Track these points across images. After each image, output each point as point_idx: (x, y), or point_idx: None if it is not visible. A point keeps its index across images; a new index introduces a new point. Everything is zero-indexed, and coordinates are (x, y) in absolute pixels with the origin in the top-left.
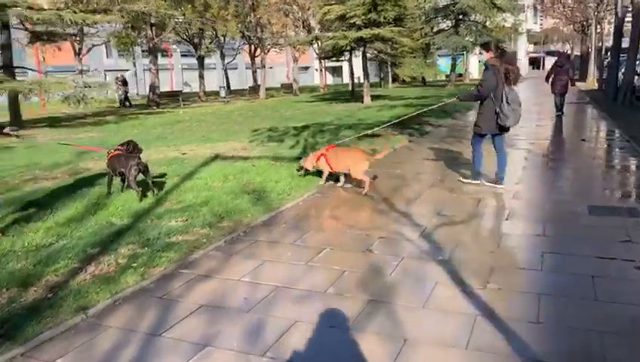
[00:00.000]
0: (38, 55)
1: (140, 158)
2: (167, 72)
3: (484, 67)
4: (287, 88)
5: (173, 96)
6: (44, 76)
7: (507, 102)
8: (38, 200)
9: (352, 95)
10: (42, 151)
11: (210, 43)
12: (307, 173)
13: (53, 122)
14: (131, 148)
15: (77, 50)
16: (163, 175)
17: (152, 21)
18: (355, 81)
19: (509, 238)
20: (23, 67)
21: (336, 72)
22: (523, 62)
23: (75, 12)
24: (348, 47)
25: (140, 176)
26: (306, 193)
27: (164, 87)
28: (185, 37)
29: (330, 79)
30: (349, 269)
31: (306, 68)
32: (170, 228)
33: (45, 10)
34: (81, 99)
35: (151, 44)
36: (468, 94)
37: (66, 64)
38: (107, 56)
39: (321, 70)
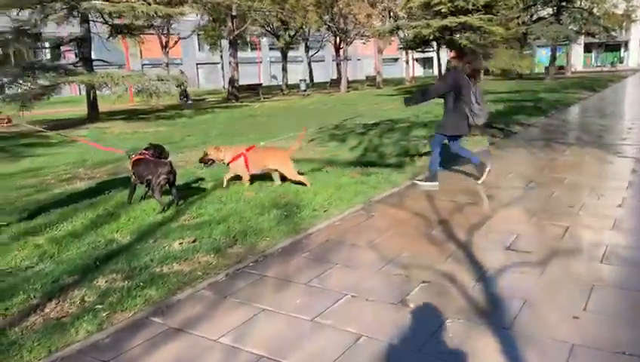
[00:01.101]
0: (127, 48)
1: (171, 165)
2: (254, 65)
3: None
4: (371, 81)
5: (254, 90)
6: (131, 69)
7: (477, 102)
8: (53, 205)
9: None
10: (106, 144)
11: (295, 35)
12: (207, 164)
13: (130, 115)
14: (157, 154)
15: (164, 44)
16: (199, 180)
17: (233, 13)
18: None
19: (604, 294)
20: (102, 60)
21: (427, 63)
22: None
23: (149, 4)
24: (432, 37)
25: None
26: (347, 209)
27: (252, 80)
28: (269, 29)
29: (420, 71)
30: (367, 334)
31: (395, 59)
32: (170, 252)
33: (118, 2)
34: (153, 93)
35: (231, 37)
36: (415, 96)
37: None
38: (199, 49)
39: (407, 62)
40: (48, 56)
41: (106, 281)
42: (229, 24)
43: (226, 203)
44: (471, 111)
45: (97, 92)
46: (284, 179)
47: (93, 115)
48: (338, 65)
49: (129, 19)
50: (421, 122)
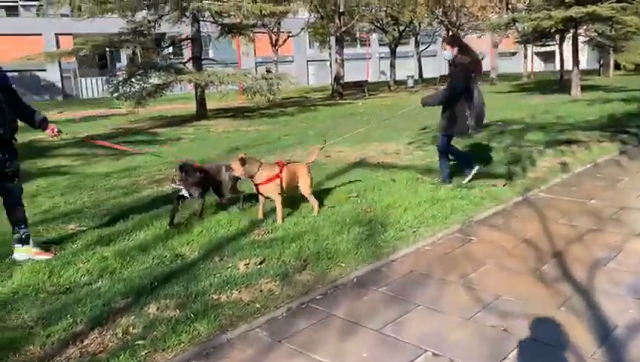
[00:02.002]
0: (239, 47)
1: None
2: (363, 61)
3: (450, 66)
4: (485, 76)
5: (360, 86)
6: (242, 68)
7: (480, 102)
8: (136, 210)
9: (560, 85)
10: (207, 143)
11: (404, 30)
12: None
13: (237, 113)
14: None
15: (274, 42)
16: None
17: (341, 9)
18: (567, 68)
19: None
20: (211, 59)
21: (549, 58)
22: None
23: (254, 2)
24: (554, 29)
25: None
26: (440, 230)
27: (361, 77)
28: (378, 25)
29: (540, 66)
30: None
31: (513, 53)
32: (232, 275)
33: (225, 2)
34: (257, 91)
35: (338, 33)
36: (432, 98)
37: (280, 55)
38: (309, 47)
39: (525, 56)
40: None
41: (157, 308)
42: (337, 21)
43: (306, 215)
44: (473, 110)
45: (207, 90)
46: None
47: (201, 112)
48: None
49: (237, 18)
50: (537, 124)
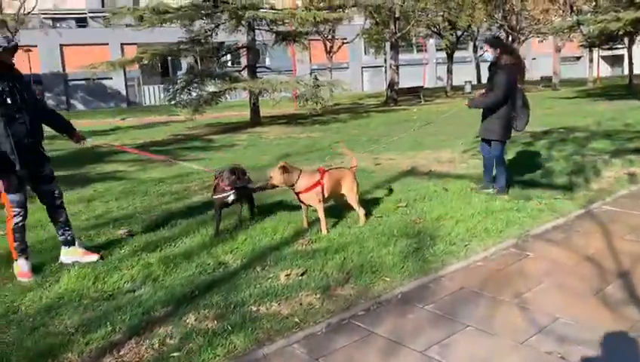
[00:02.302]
0: (294, 54)
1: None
2: (420, 66)
3: (492, 68)
4: (547, 82)
5: (415, 93)
6: (297, 75)
7: (524, 105)
8: (184, 215)
9: (630, 90)
10: (259, 150)
11: (462, 35)
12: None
13: (290, 120)
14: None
15: (328, 48)
16: None
17: (396, 15)
18: (637, 72)
19: None
20: (265, 66)
21: (616, 62)
22: None
23: (309, 10)
24: (622, 32)
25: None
26: (494, 245)
27: (416, 83)
28: (434, 29)
29: (607, 71)
30: None
31: (577, 58)
32: (273, 286)
33: (280, 10)
34: (309, 98)
35: (393, 39)
36: (482, 100)
37: (336, 61)
38: (365, 53)
39: (591, 60)
40: (226, 61)
41: (195, 319)
42: (392, 26)
43: (351, 226)
44: (517, 115)
45: (261, 97)
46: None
47: (255, 119)
48: None
49: (292, 25)
50: (603, 131)
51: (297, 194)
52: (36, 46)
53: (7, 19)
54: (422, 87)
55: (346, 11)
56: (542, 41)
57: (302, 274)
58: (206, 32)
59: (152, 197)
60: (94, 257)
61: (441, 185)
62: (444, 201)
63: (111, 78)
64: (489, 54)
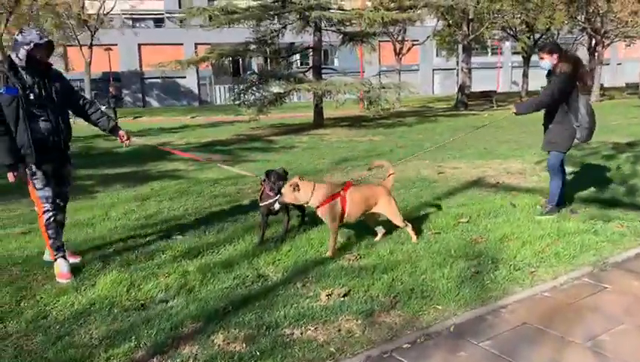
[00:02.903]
0: (361, 55)
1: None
2: (494, 70)
3: (549, 77)
4: (633, 89)
5: (487, 97)
6: (365, 76)
7: (588, 114)
8: (234, 219)
9: None
10: (317, 152)
11: (540, 38)
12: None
13: (354, 122)
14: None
15: (397, 50)
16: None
17: (470, 16)
18: None
19: None
20: (331, 68)
21: None
22: None
23: (377, 10)
24: None
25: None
26: (565, 273)
27: (489, 87)
28: (510, 32)
29: None
30: None
31: None
32: (311, 307)
33: (347, 10)
34: (374, 101)
35: (465, 41)
36: (526, 105)
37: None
38: (436, 55)
39: None
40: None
41: (223, 339)
42: (464, 28)
43: (404, 242)
44: (580, 125)
45: (325, 99)
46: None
47: (318, 121)
48: (592, 70)
49: (360, 26)
50: None
51: (316, 210)
52: (116, 45)
53: (89, 19)
54: (495, 91)
55: (417, 12)
56: (629, 46)
57: (344, 295)
58: (272, 32)
59: (204, 198)
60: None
61: (509, 199)
62: (511, 219)
63: (184, 77)
64: (546, 62)
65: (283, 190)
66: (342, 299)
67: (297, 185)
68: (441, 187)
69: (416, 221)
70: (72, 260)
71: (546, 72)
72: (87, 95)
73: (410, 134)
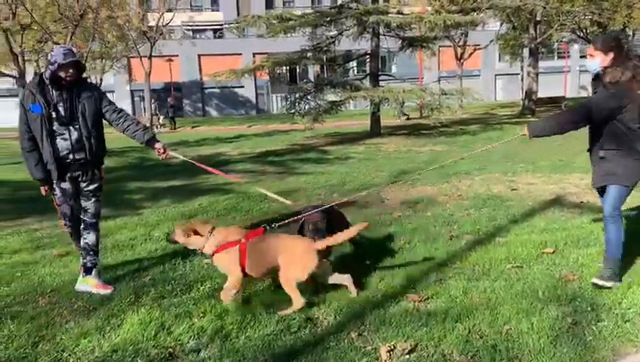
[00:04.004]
0: (421, 61)
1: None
2: (560, 75)
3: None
4: None
5: (555, 103)
6: (424, 83)
7: None
8: None
9: None
10: (374, 164)
11: None
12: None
13: (412, 130)
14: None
15: (458, 55)
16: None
17: (537, 18)
18: None
19: None
20: (388, 74)
21: None
22: None
23: (439, 13)
24: None
25: None
26: None
27: (555, 92)
28: (580, 34)
29: None
30: None
31: None
32: None
33: (406, 14)
34: (434, 108)
35: (532, 45)
36: (542, 125)
37: (466, 68)
38: (499, 60)
39: None
40: (347, 70)
41: None
42: (531, 31)
43: (479, 278)
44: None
45: (383, 107)
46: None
47: (375, 130)
48: None
49: (420, 30)
50: None
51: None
52: (177, 56)
53: (149, 31)
54: (564, 97)
55: (480, 15)
56: None
57: (410, 351)
58: (328, 39)
59: (252, 216)
60: (108, 291)
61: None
62: None
63: (242, 87)
64: (594, 62)
65: (176, 233)
66: (407, 356)
67: (202, 223)
68: (516, 207)
69: (493, 250)
70: (102, 291)
71: (592, 74)
72: (148, 105)
73: (475, 143)
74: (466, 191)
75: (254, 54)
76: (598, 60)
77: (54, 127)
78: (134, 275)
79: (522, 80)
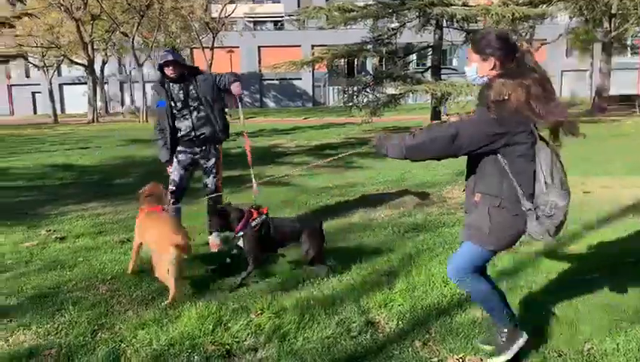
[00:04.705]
0: None
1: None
2: (634, 72)
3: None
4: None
5: (629, 102)
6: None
7: (558, 185)
8: (336, 241)
9: None
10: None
11: None
12: None
13: None
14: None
15: None
16: None
17: (613, 11)
18: None
19: None
20: (451, 68)
21: None
22: None
23: (506, 5)
24: None
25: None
26: None
27: (628, 90)
28: None
29: None
30: None
31: None
32: None
33: (472, 6)
34: None
35: (606, 40)
36: (395, 143)
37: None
38: (567, 55)
39: None
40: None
41: None
42: (605, 25)
43: (553, 289)
44: (527, 205)
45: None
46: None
47: None
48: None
49: (485, 23)
50: None
51: None
52: (238, 47)
53: (212, 22)
54: (638, 95)
55: (551, 7)
56: None
57: None
58: (390, 31)
59: (309, 210)
60: (214, 249)
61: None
62: None
63: (300, 79)
64: (470, 69)
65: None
66: None
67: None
68: (591, 212)
69: (567, 258)
70: (213, 249)
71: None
72: None
73: None
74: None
75: (313, 46)
76: (474, 67)
77: (176, 111)
78: (191, 266)
79: (591, 76)
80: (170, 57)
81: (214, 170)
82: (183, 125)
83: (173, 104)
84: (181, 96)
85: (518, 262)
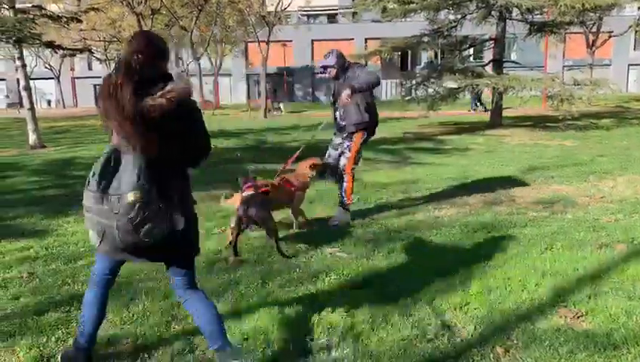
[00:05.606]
0: (547, 48)
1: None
2: None
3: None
4: None
5: None
6: (548, 71)
7: None
8: (401, 239)
9: None
10: (499, 157)
11: None
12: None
13: (537, 122)
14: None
15: (590, 42)
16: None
17: None
18: None
19: None
20: (513, 61)
21: None
22: None
23: None
24: None
25: None
26: None
27: None
28: None
29: None
30: None
31: None
32: None
33: None
34: (565, 99)
35: None
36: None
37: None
38: (634, 48)
39: None
40: (467, 56)
41: None
42: None
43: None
44: None
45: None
46: None
47: (495, 120)
48: None
49: (551, 14)
50: None
51: None
52: (291, 41)
53: (268, 16)
54: None
55: None
56: None
57: None
58: (450, 22)
59: (369, 206)
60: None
61: None
62: None
63: None
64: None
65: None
66: None
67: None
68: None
69: (571, 269)
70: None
71: None
72: (263, 89)
73: (611, 140)
74: (610, 193)
75: (366, 39)
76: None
77: (336, 105)
78: (259, 258)
79: None
80: (324, 61)
81: (345, 152)
82: (338, 115)
83: (334, 97)
84: (336, 92)
85: (603, 264)
